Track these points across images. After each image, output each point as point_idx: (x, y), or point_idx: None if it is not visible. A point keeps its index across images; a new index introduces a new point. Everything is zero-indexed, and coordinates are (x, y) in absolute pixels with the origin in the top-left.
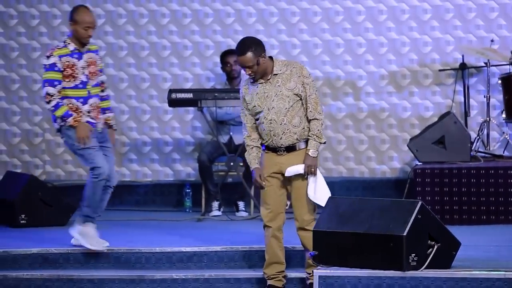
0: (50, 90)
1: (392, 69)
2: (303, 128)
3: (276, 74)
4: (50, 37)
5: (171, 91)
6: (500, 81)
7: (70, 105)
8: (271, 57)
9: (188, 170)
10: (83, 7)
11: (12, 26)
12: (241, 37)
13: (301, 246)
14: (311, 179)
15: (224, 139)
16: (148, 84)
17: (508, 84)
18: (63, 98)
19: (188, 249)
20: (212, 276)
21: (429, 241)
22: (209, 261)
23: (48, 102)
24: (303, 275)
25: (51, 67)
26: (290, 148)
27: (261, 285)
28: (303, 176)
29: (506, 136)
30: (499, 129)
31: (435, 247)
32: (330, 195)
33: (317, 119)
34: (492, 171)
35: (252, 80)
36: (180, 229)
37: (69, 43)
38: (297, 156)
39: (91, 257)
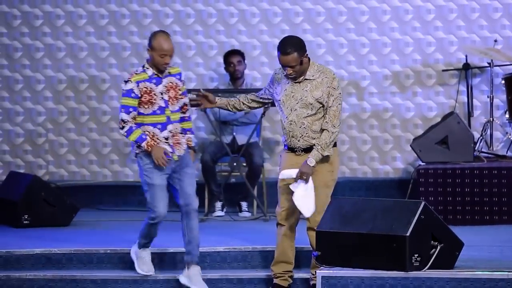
0: (124, 116)
1: (395, 69)
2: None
3: (308, 79)
4: (54, 38)
5: None
6: (503, 81)
7: (147, 132)
8: (308, 58)
9: None
10: (161, 34)
11: (15, 26)
12: (244, 38)
13: (310, 246)
14: (301, 184)
15: (227, 139)
16: None
17: (511, 84)
18: (140, 125)
19: None
20: (215, 276)
21: (432, 241)
22: (212, 262)
23: (122, 128)
24: (308, 275)
25: (128, 93)
26: (308, 149)
27: (263, 285)
28: (319, 177)
29: (510, 136)
30: (502, 129)
31: (438, 247)
32: (313, 211)
33: (328, 130)
34: (495, 172)
35: (286, 73)
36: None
37: (147, 68)
38: None
39: (93, 258)
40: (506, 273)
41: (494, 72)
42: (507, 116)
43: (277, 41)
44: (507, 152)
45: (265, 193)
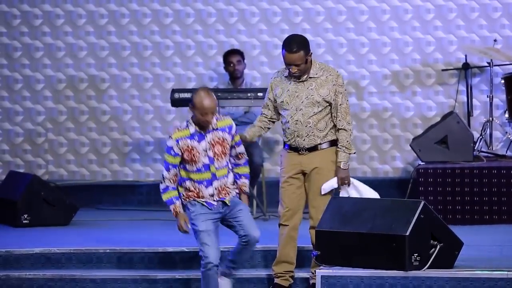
0: (164, 173)
1: (395, 69)
2: (327, 133)
3: (312, 78)
4: (53, 37)
5: (174, 91)
6: (503, 81)
7: (192, 189)
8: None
9: None
10: (202, 91)
11: (15, 26)
12: (244, 37)
13: (311, 245)
14: (348, 188)
15: None
16: (151, 83)
17: (511, 84)
18: (185, 179)
19: (191, 249)
20: None
21: (431, 241)
22: None
23: (160, 183)
24: (308, 275)
25: (168, 150)
26: (312, 148)
27: (262, 284)
28: (322, 176)
29: (509, 136)
30: (502, 129)
31: (438, 247)
32: (377, 195)
33: (345, 129)
34: (495, 171)
35: (286, 74)
36: None
37: (190, 124)
38: (318, 156)
39: (93, 257)
40: (506, 272)
41: (493, 71)
42: (506, 115)
43: (276, 41)
44: (506, 152)
45: (264, 192)
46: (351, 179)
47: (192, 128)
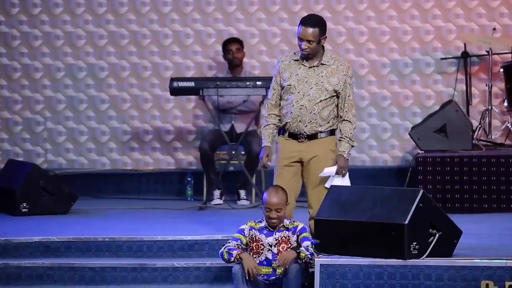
0: (232, 243)
1: (394, 58)
2: (329, 123)
3: (324, 65)
4: (52, 26)
5: (172, 79)
6: (502, 70)
7: None
8: (323, 47)
9: (189, 158)
10: (273, 188)
11: (13, 14)
12: (243, 26)
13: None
14: (335, 180)
15: (226, 127)
16: (150, 72)
17: (510, 73)
18: None
19: (190, 237)
20: (214, 264)
21: (430, 229)
22: (211, 250)
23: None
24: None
25: (239, 231)
26: (312, 136)
27: None
28: (321, 165)
29: (508, 125)
30: (500, 118)
31: (437, 235)
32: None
33: (350, 121)
34: (494, 160)
35: (296, 58)
36: (181, 218)
37: (262, 220)
38: (317, 144)
39: (92, 246)
40: (505, 261)
41: (492, 60)
42: (505, 104)
43: (275, 29)
44: (505, 141)
45: (263, 181)
46: (348, 180)
47: (263, 224)
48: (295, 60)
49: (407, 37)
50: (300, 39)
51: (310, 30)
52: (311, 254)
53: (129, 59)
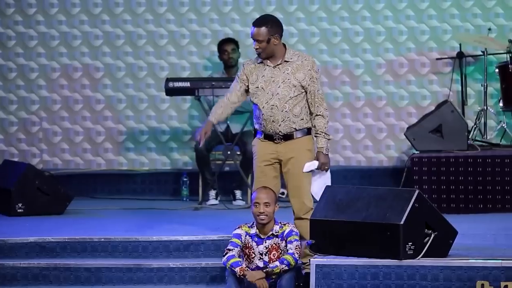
0: (229, 246)
1: (389, 58)
2: (302, 119)
3: (287, 61)
4: (47, 26)
5: (168, 80)
6: (497, 70)
7: None
8: (284, 45)
9: (185, 159)
10: (262, 187)
11: (9, 15)
12: (238, 26)
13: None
14: (317, 176)
15: (221, 128)
16: (145, 73)
17: (505, 73)
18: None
19: (185, 238)
20: (209, 264)
21: (426, 229)
22: (206, 250)
23: (224, 256)
24: None
25: (236, 236)
26: (288, 137)
27: None
28: (299, 165)
29: (503, 125)
30: (496, 118)
31: (432, 235)
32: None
33: (323, 116)
34: (489, 160)
35: (260, 60)
36: (177, 218)
37: (253, 226)
38: (293, 145)
39: (88, 246)
40: (500, 261)
41: (488, 60)
42: (501, 104)
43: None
44: (501, 141)
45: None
46: (329, 177)
47: (254, 230)
48: (260, 63)
49: (402, 37)
50: (253, 39)
51: (257, 30)
52: (288, 264)
53: (125, 60)
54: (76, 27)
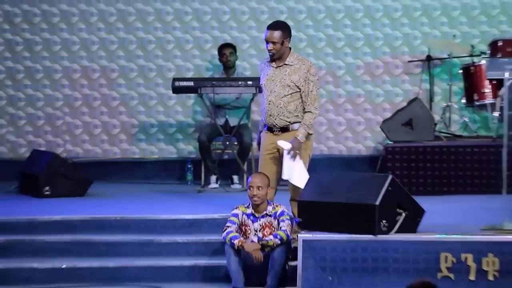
0: (228, 223)
1: (367, 61)
2: (297, 115)
3: (287, 64)
4: (69, 33)
5: (174, 79)
6: (461, 71)
7: None
8: (290, 48)
9: (189, 148)
10: (256, 172)
11: (36, 23)
12: (235, 32)
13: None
14: (287, 161)
15: (221, 121)
16: (155, 73)
17: (467, 74)
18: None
19: (190, 216)
20: (211, 240)
21: (398, 209)
22: (208, 227)
23: (223, 231)
24: None
25: (234, 215)
26: (284, 129)
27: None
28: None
29: (465, 119)
30: (459, 113)
31: (403, 214)
32: (307, 177)
33: (311, 112)
34: (453, 149)
35: (269, 60)
36: (182, 200)
37: (249, 207)
38: (289, 135)
39: (105, 224)
40: (461, 236)
41: (452, 63)
42: (463, 101)
43: (264, 36)
44: (463, 132)
45: (253, 167)
46: (301, 162)
47: (250, 210)
48: (268, 62)
49: (378, 42)
50: (266, 41)
51: (274, 33)
52: (281, 239)
53: (137, 62)
54: (94, 33)
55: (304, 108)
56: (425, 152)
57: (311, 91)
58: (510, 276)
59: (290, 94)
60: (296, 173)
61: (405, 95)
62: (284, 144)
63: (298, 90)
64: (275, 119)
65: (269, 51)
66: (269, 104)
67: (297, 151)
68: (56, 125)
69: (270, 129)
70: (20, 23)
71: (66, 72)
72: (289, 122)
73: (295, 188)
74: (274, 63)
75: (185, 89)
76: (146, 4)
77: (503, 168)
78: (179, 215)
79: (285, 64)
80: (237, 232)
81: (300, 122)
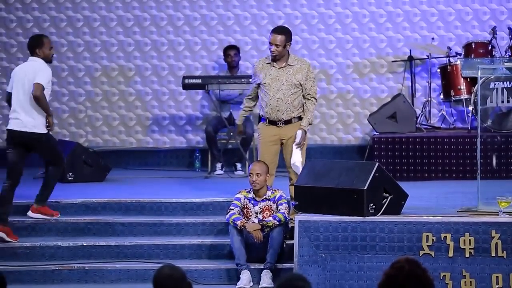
0: (231, 206)
1: (356, 61)
2: (299, 109)
3: (289, 65)
4: (91, 36)
5: (184, 77)
6: (439, 70)
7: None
8: (288, 51)
9: (197, 138)
10: (256, 160)
11: (62, 27)
12: (239, 36)
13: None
14: (297, 149)
15: (225, 114)
16: (167, 72)
17: (445, 72)
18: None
19: (198, 200)
20: (216, 220)
21: (384, 193)
22: (214, 209)
23: (227, 213)
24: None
25: (237, 199)
26: (288, 122)
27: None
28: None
29: (443, 112)
30: (438, 107)
31: (389, 198)
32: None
33: (312, 101)
34: (433, 139)
35: (268, 62)
36: (191, 185)
37: (250, 192)
38: (292, 127)
39: (122, 206)
40: (440, 217)
41: (431, 62)
42: (441, 96)
43: (264, 39)
44: (441, 125)
45: (254, 156)
46: (301, 154)
47: (251, 195)
48: (267, 63)
49: (366, 44)
50: (270, 44)
51: (278, 36)
52: (279, 220)
53: (151, 62)
54: (113, 36)
55: (305, 102)
56: (408, 142)
57: (311, 86)
58: (484, 253)
59: (296, 91)
60: (301, 161)
61: (389, 91)
62: (297, 162)
63: (301, 87)
64: (283, 114)
65: (272, 52)
66: (278, 100)
67: (304, 141)
68: (79, 117)
69: (273, 122)
70: (48, 27)
71: (88, 70)
72: (293, 115)
73: (296, 174)
74: (276, 64)
75: (194, 85)
76: (160, 11)
77: (477, 156)
78: (187, 199)
79: (288, 64)
80: (239, 214)
81: (301, 115)
